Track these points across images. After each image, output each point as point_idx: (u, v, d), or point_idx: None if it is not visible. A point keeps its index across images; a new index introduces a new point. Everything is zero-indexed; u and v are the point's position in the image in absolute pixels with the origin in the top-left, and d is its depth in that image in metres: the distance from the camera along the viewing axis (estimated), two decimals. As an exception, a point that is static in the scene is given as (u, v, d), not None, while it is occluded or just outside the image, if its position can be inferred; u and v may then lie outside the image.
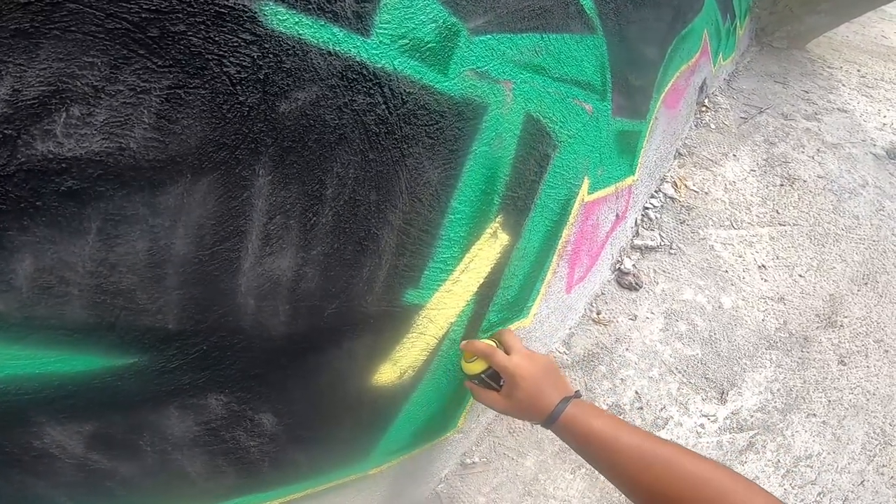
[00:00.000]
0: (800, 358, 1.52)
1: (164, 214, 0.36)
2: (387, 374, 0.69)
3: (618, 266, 1.63)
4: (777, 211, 1.94)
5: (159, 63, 0.33)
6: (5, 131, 0.28)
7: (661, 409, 1.35)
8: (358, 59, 0.43)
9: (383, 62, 0.45)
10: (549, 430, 0.68)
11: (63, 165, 0.31)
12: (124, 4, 0.30)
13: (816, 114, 2.53)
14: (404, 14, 0.45)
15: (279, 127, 0.40)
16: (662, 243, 1.73)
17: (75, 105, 0.31)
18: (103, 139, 0.32)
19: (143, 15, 0.31)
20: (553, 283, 1.12)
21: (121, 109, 0.32)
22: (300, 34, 0.39)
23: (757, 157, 2.17)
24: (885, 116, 2.65)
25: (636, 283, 1.59)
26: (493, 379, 0.75)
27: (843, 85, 2.88)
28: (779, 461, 1.30)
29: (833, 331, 1.60)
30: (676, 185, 1.94)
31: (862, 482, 1.29)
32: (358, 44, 0.43)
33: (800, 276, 1.73)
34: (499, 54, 0.59)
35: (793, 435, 1.35)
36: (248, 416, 0.53)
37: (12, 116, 0.28)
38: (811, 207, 1.97)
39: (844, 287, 1.73)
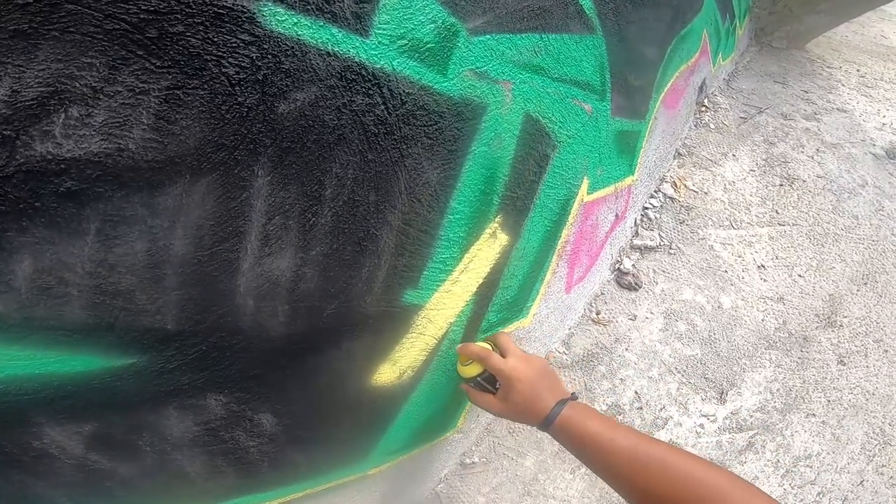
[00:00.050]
0: (799, 358, 1.52)
1: (162, 215, 0.36)
2: (386, 374, 0.69)
3: (617, 266, 1.63)
4: (776, 211, 1.94)
5: (158, 64, 0.33)
6: (4, 132, 0.28)
7: (661, 409, 1.35)
8: (357, 59, 0.43)
9: (382, 63, 0.45)
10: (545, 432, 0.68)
11: (62, 166, 0.31)
12: (123, 5, 0.30)
13: (816, 114, 2.54)
14: (403, 14, 0.45)
15: (278, 127, 0.40)
16: (662, 243, 1.73)
17: (74, 106, 0.31)
18: (102, 140, 0.32)
19: (142, 16, 0.31)
20: (552, 283, 1.12)
21: (119, 110, 0.32)
22: (299, 35, 0.39)
23: (756, 157, 2.17)
24: (884, 116, 2.66)
25: (635, 283, 1.59)
26: (489, 382, 0.75)
27: (843, 85, 2.88)
28: (778, 461, 1.30)
29: (832, 331, 1.60)
30: (676, 185, 1.94)
31: (861, 482, 1.29)
32: (357, 44, 0.43)
33: (799, 275, 1.73)
34: (498, 54, 0.59)
35: (792, 435, 1.35)
36: (247, 416, 0.53)
37: (11, 117, 0.28)
38: (810, 207, 1.98)
39: (844, 287, 1.73)
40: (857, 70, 3.09)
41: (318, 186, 0.45)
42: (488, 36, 0.56)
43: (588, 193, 1.07)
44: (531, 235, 0.87)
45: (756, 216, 1.90)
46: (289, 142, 0.41)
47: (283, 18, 0.37)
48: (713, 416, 1.36)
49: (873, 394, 1.46)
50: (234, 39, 0.35)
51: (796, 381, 1.46)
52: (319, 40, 0.40)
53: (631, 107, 1.15)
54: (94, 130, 0.32)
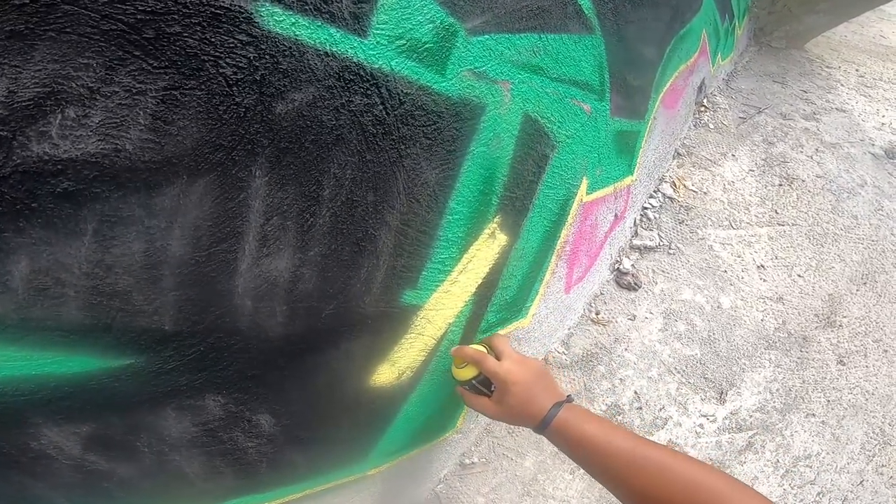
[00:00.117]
0: (799, 358, 1.52)
1: (160, 216, 0.36)
2: (385, 374, 0.69)
3: (616, 266, 1.63)
4: (776, 211, 1.94)
5: (155, 64, 0.32)
6: (0, 133, 0.28)
7: (660, 410, 1.35)
8: (355, 59, 0.43)
9: (380, 63, 0.45)
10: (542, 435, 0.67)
11: (59, 167, 0.31)
12: (119, 6, 0.30)
13: (815, 113, 2.54)
14: (402, 15, 0.45)
15: (276, 128, 0.40)
16: (661, 243, 1.73)
17: (71, 106, 0.31)
18: (99, 140, 0.32)
19: (139, 16, 0.31)
20: (552, 283, 1.12)
21: (116, 111, 0.32)
22: (297, 35, 0.39)
23: (756, 157, 2.17)
24: (883, 116, 2.66)
25: (635, 283, 1.59)
26: (484, 385, 0.74)
27: (842, 85, 2.88)
28: (778, 461, 1.30)
29: (832, 331, 1.60)
30: (675, 185, 1.94)
31: (861, 482, 1.29)
32: (355, 44, 0.43)
33: (798, 275, 1.73)
34: (497, 54, 0.59)
35: (792, 435, 1.35)
36: (245, 417, 0.53)
37: (7, 118, 0.28)
38: (810, 207, 1.98)
39: (843, 287, 1.73)
40: (856, 70, 3.10)
41: (317, 187, 0.45)
42: (487, 36, 0.56)
43: (587, 193, 1.07)
44: (530, 235, 0.87)
45: (755, 216, 1.90)
46: (287, 142, 0.41)
47: (281, 19, 0.37)
48: (713, 416, 1.36)
49: (873, 394, 1.46)
50: (232, 40, 0.35)
51: (796, 381, 1.46)
52: (317, 40, 0.40)
53: (630, 107, 1.15)
54: (91, 131, 0.31)
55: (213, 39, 0.34)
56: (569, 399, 0.69)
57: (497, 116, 0.63)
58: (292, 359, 0.54)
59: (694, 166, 2.06)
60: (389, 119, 0.48)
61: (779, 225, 1.88)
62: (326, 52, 0.41)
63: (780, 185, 2.05)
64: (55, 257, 0.33)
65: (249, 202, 0.41)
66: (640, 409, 1.34)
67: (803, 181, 2.09)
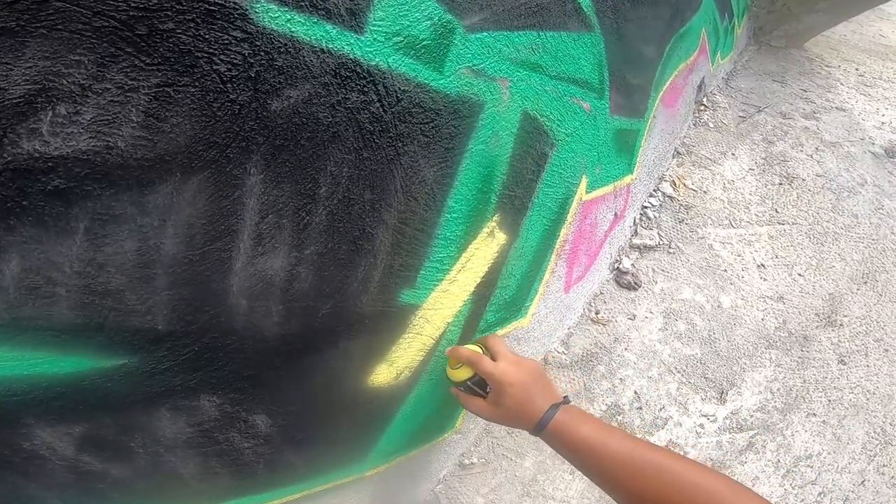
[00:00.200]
0: (799, 357, 1.51)
1: (153, 214, 0.36)
2: (383, 374, 0.69)
3: (616, 265, 1.63)
4: (776, 210, 1.93)
5: (147, 61, 0.32)
6: (-10, 129, 0.28)
7: (661, 409, 1.34)
8: (351, 56, 0.43)
9: (377, 60, 0.45)
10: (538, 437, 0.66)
11: (50, 164, 0.31)
12: (112, 2, 0.30)
13: (815, 112, 2.53)
14: (399, 11, 0.45)
15: (271, 125, 0.40)
16: (661, 242, 1.73)
17: (62, 103, 0.30)
18: (90, 138, 0.31)
19: (131, 13, 0.31)
20: (551, 282, 1.11)
21: (108, 108, 0.32)
22: (292, 32, 0.38)
23: (755, 156, 2.17)
24: (883, 115, 2.65)
25: (635, 283, 1.58)
26: (480, 386, 0.73)
27: (842, 84, 2.88)
28: (779, 461, 1.30)
29: (833, 330, 1.60)
30: (675, 184, 1.94)
31: (862, 482, 1.29)
32: (351, 41, 0.42)
33: (799, 274, 1.73)
34: (495, 52, 0.58)
35: (793, 435, 1.35)
36: (241, 417, 0.53)
37: (-3, 115, 0.28)
38: (810, 206, 1.97)
39: (844, 286, 1.72)
40: (856, 69, 3.09)
41: (313, 185, 0.45)
42: (485, 33, 0.56)
43: (587, 192, 1.07)
44: (529, 234, 0.86)
45: (755, 215, 1.90)
46: (282, 139, 0.41)
47: (276, 15, 0.37)
48: (713, 415, 1.35)
49: (874, 393, 1.46)
50: (226, 36, 0.35)
51: (797, 380, 1.46)
52: (313, 37, 0.40)
53: (629, 105, 1.15)
54: (83, 128, 0.31)
55: (206, 36, 0.34)
56: (565, 400, 0.67)
57: (496, 114, 0.62)
58: (289, 359, 0.53)
59: (694, 165, 2.05)
60: (386, 116, 0.48)
61: (779, 224, 1.88)
62: (322, 49, 0.40)
63: (781, 183, 2.05)
64: (46, 256, 0.33)
65: (244, 200, 0.41)
66: (641, 409, 1.34)
67: (803, 180, 2.08)
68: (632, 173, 1.42)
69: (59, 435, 0.40)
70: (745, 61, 2.87)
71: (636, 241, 1.71)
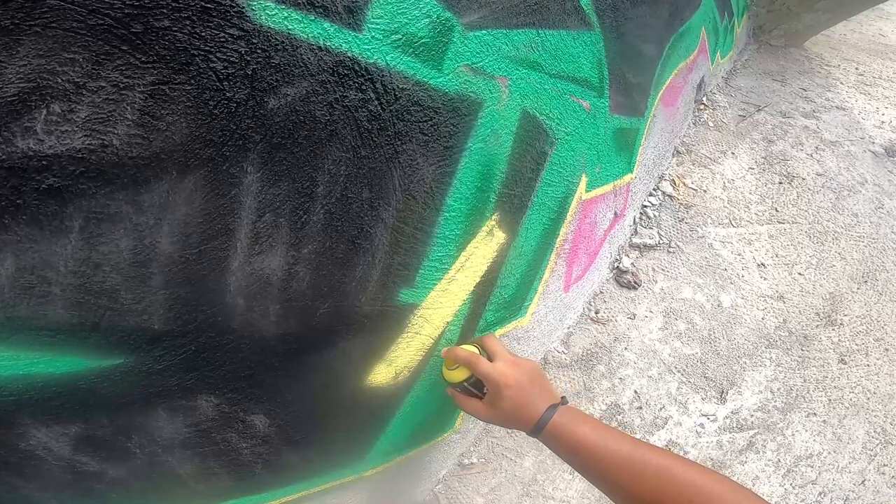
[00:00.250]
0: (800, 357, 1.51)
1: (148, 212, 0.36)
2: (382, 374, 0.69)
3: (616, 265, 1.62)
4: (776, 209, 1.93)
5: (143, 59, 0.32)
6: (-17, 127, 0.28)
7: (661, 409, 1.34)
8: (349, 54, 0.42)
9: (376, 58, 0.45)
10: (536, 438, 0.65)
11: (44, 163, 0.30)
12: (107, 0, 0.29)
13: (815, 112, 2.53)
14: (397, 9, 0.45)
15: (268, 123, 0.39)
16: (661, 241, 1.73)
17: (56, 102, 0.30)
18: (85, 136, 0.31)
19: (126, 10, 0.30)
20: (551, 281, 1.11)
21: (103, 106, 0.31)
22: (289, 29, 0.38)
23: (755, 155, 2.16)
24: (883, 114, 2.65)
25: (635, 282, 1.58)
26: (476, 387, 0.72)
27: (841, 83, 2.88)
28: (779, 461, 1.29)
29: (833, 329, 1.59)
30: (675, 184, 1.94)
31: (863, 482, 1.29)
32: (349, 39, 0.42)
33: (799, 274, 1.73)
34: (494, 50, 0.58)
35: (793, 434, 1.35)
36: (239, 417, 0.53)
37: (-10, 113, 0.28)
38: (810, 205, 1.97)
39: (844, 285, 1.72)
40: (856, 68, 3.09)
41: (310, 183, 0.45)
42: (484, 31, 0.55)
43: (586, 191, 1.06)
44: (529, 233, 0.86)
45: (755, 214, 1.90)
46: (279, 137, 0.40)
47: (274, 13, 0.37)
48: (713, 415, 1.35)
49: (874, 392, 1.46)
50: (223, 34, 0.35)
51: (797, 380, 1.46)
52: (311, 35, 0.39)
53: (629, 104, 1.15)
54: (77, 126, 0.31)
55: (203, 34, 0.34)
56: (563, 401, 0.67)
57: (495, 112, 0.62)
58: (286, 359, 0.53)
59: (694, 164, 2.05)
60: (385, 115, 0.48)
61: (779, 223, 1.88)
62: (320, 47, 0.40)
63: (781, 183, 2.05)
64: (41, 255, 0.32)
65: (241, 199, 0.40)
66: (641, 408, 1.34)
67: (803, 179, 2.08)
68: (631, 172, 1.42)
69: (56, 435, 0.40)
70: (745, 60, 2.86)
71: (636, 240, 1.71)
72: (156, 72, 0.33)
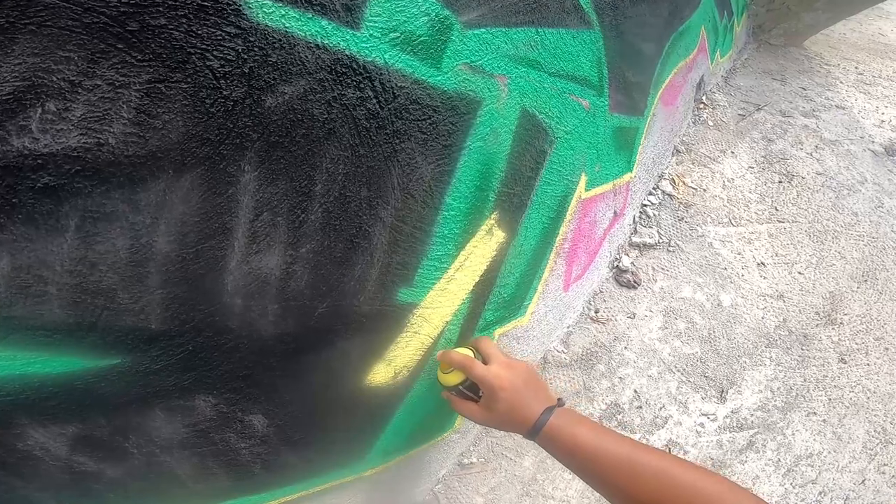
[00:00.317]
0: (800, 356, 1.51)
1: (145, 211, 0.35)
2: (381, 374, 0.69)
3: (616, 264, 1.62)
4: (776, 208, 1.93)
5: (139, 57, 0.32)
6: (-23, 126, 0.28)
7: (661, 408, 1.34)
8: (347, 52, 0.42)
9: (374, 56, 0.44)
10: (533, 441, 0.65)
11: (39, 161, 0.30)
12: (102, -2, 0.29)
13: (814, 111, 2.53)
14: (395, 7, 0.44)
15: (265, 121, 0.39)
16: (661, 241, 1.73)
17: (51, 100, 0.30)
18: (81, 134, 0.31)
19: (122, 9, 0.30)
20: (550, 281, 1.11)
21: (98, 104, 0.31)
22: (287, 27, 0.38)
23: (755, 154, 2.16)
24: (882, 113, 2.65)
25: (634, 281, 1.58)
26: (472, 390, 0.71)
27: (841, 82, 2.87)
28: (779, 460, 1.29)
29: (833, 328, 1.59)
30: (675, 183, 1.93)
31: (863, 481, 1.28)
32: (347, 37, 0.42)
33: (799, 273, 1.73)
34: (493, 48, 0.58)
35: (793, 434, 1.35)
36: (237, 417, 0.53)
37: (-15, 111, 0.28)
38: (810, 204, 1.97)
39: (844, 284, 1.72)
40: (856, 67, 3.09)
41: (308, 182, 0.44)
42: (483, 29, 0.55)
43: (586, 190, 1.06)
44: (528, 232, 0.86)
45: (755, 213, 1.89)
46: (277, 136, 0.40)
47: (271, 10, 0.36)
48: (713, 414, 1.35)
49: (874, 392, 1.46)
50: (219, 32, 0.34)
51: (797, 379, 1.46)
52: (308, 33, 0.39)
53: (629, 103, 1.15)
54: (73, 125, 0.31)
55: (199, 32, 0.33)
56: (560, 403, 0.66)
57: (494, 111, 0.62)
58: (285, 358, 0.53)
59: (693, 163, 2.05)
60: (383, 113, 0.48)
61: (779, 222, 1.87)
62: (318, 45, 0.40)
63: (780, 182, 2.04)
64: (37, 254, 0.32)
65: (238, 198, 0.40)
66: (640, 408, 1.33)
67: (803, 178, 2.08)
68: (631, 171, 1.42)
69: (53, 435, 0.40)
70: (745, 60, 2.86)
71: (636, 239, 1.70)
72: (152, 70, 0.32)
